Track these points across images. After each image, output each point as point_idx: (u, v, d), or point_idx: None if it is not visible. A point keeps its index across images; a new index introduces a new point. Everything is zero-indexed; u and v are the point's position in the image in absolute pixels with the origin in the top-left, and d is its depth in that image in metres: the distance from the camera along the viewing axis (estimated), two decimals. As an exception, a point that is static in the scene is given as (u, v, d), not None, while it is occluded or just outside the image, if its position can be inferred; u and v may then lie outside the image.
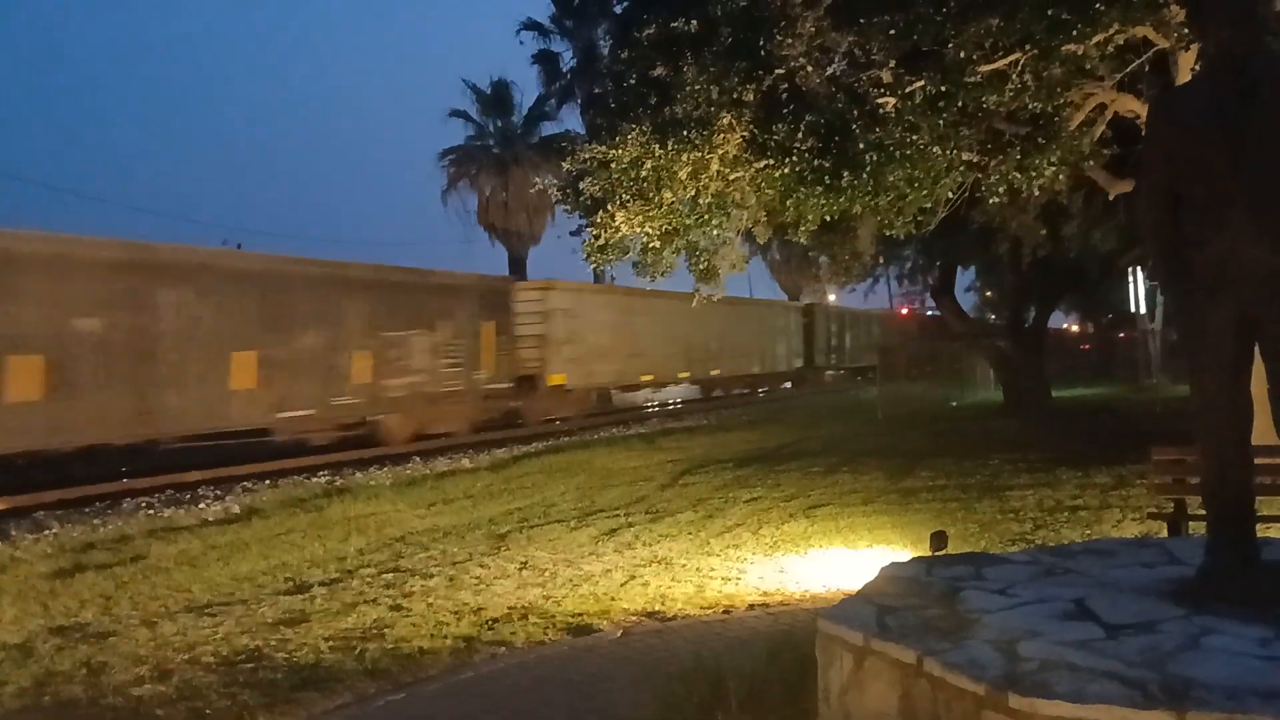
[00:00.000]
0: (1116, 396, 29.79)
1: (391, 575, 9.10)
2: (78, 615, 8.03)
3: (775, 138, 11.25)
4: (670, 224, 12.42)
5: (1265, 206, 3.96)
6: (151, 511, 13.88)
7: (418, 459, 19.35)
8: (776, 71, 11.32)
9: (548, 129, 40.45)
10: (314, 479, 16.77)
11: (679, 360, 33.31)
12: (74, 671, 6.48)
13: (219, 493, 15.48)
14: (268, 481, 16.63)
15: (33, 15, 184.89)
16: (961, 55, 10.29)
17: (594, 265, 13.80)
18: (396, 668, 6.41)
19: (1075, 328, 67.23)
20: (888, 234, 13.95)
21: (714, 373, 36.12)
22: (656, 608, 7.59)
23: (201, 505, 14.25)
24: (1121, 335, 46.98)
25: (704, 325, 32.74)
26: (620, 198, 12.07)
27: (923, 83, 10.69)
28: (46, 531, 12.43)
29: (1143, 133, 5.63)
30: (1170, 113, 4.46)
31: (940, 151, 11.07)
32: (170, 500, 14.89)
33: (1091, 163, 12.25)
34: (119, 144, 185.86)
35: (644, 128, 11.71)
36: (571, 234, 15.86)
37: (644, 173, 11.78)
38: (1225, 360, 4.11)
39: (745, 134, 11.47)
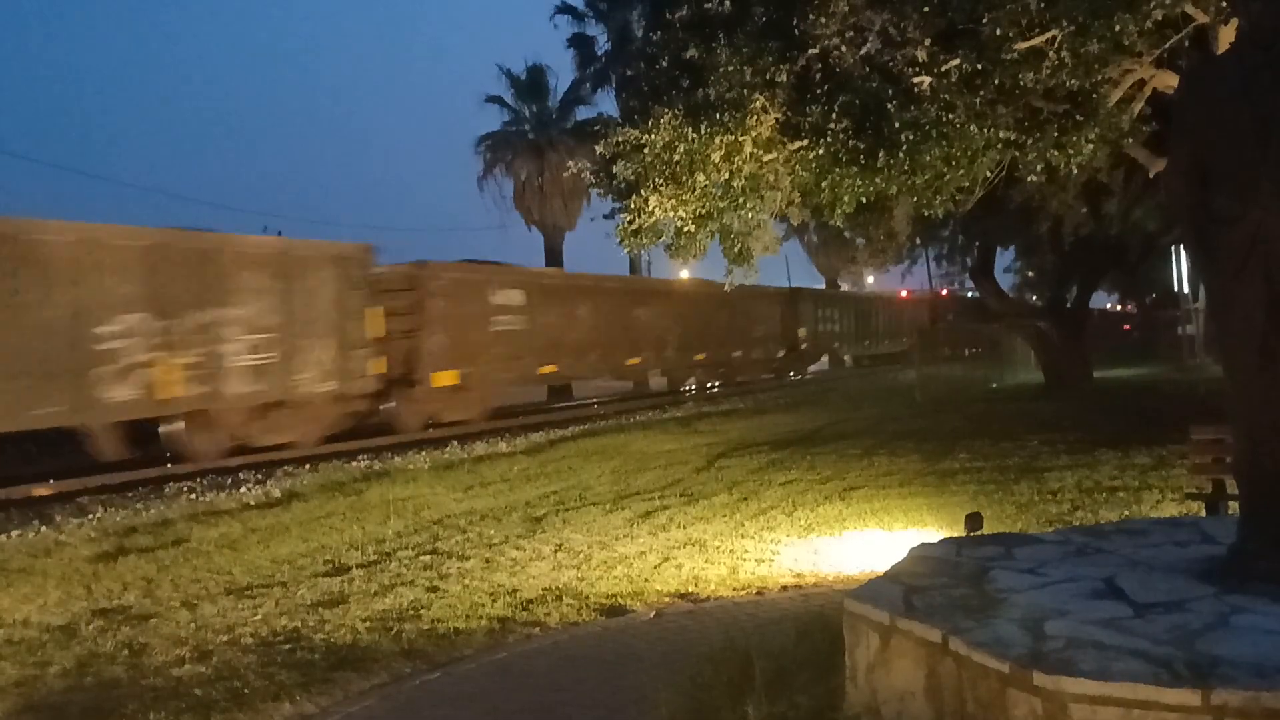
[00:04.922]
0: (1159, 377, 29.41)
1: (429, 557, 9.19)
2: (120, 598, 8.17)
3: (809, 119, 11.17)
4: (704, 207, 12.36)
5: None
6: (193, 496, 14.05)
7: (456, 443, 19.45)
8: (810, 51, 11.23)
9: (583, 113, 40.34)
10: (353, 463, 16.91)
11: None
12: (116, 652, 6.60)
13: (260, 477, 15.64)
14: (308, 466, 16.78)
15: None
16: (998, 33, 10.17)
17: (628, 250, 13.77)
18: (432, 648, 6.48)
19: (1118, 307, 66.52)
20: (925, 214, 13.85)
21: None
22: (690, 589, 7.61)
23: (242, 489, 14.41)
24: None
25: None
26: (653, 181, 12.03)
27: (958, 61, 10.58)
28: (90, 516, 12.62)
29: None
30: (1200, 87, 4.41)
31: (977, 130, 10.95)
32: (212, 484, 15.07)
33: (1131, 140, 12.07)
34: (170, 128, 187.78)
35: (677, 110, 11.66)
36: (605, 217, 15.86)
37: (677, 156, 11.73)
38: (1256, 338, 4.04)
39: (779, 116, 11.41)
